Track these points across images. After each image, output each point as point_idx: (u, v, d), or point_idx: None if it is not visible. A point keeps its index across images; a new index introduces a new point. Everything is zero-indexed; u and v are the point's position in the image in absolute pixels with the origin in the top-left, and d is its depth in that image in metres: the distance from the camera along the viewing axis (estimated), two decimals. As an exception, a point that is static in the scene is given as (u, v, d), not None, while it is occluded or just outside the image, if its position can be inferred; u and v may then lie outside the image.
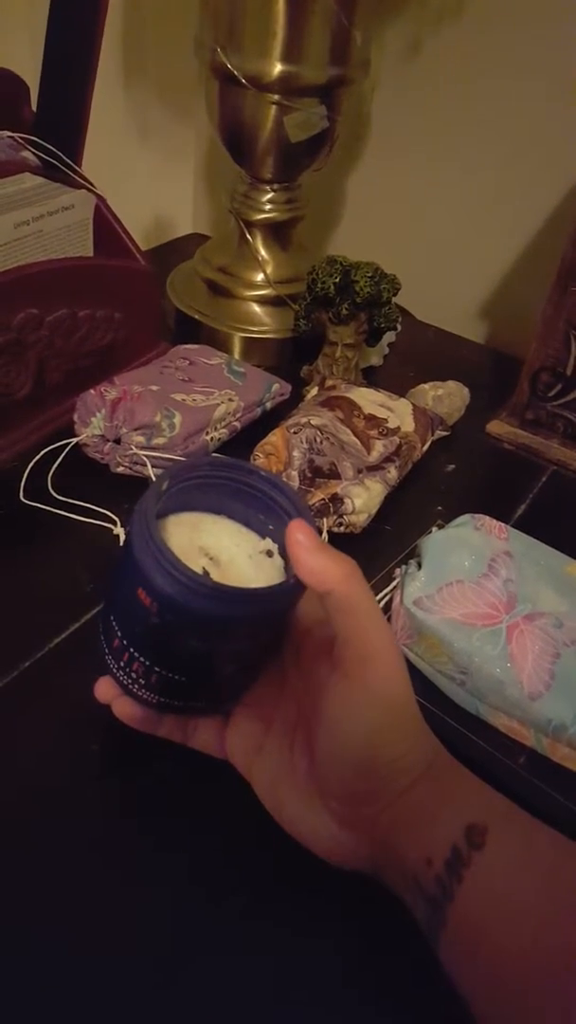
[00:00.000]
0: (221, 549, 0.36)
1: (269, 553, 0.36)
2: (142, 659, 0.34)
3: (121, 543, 0.56)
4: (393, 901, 0.33)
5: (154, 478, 0.59)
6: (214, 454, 0.56)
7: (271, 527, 0.37)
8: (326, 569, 0.31)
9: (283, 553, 0.36)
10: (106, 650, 0.36)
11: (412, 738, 0.33)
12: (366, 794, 0.33)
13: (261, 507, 0.36)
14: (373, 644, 0.32)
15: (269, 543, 0.37)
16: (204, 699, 0.38)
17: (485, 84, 0.79)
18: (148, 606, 0.31)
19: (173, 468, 0.34)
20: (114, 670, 0.36)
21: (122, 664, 0.35)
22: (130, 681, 0.36)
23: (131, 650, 0.34)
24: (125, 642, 0.34)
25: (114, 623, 0.35)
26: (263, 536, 0.37)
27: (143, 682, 0.35)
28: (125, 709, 0.39)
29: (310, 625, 0.36)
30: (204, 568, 0.34)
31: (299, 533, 0.32)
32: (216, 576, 0.34)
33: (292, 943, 0.37)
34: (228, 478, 0.36)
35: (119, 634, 0.34)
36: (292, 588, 0.32)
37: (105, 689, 0.38)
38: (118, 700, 0.39)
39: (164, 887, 0.38)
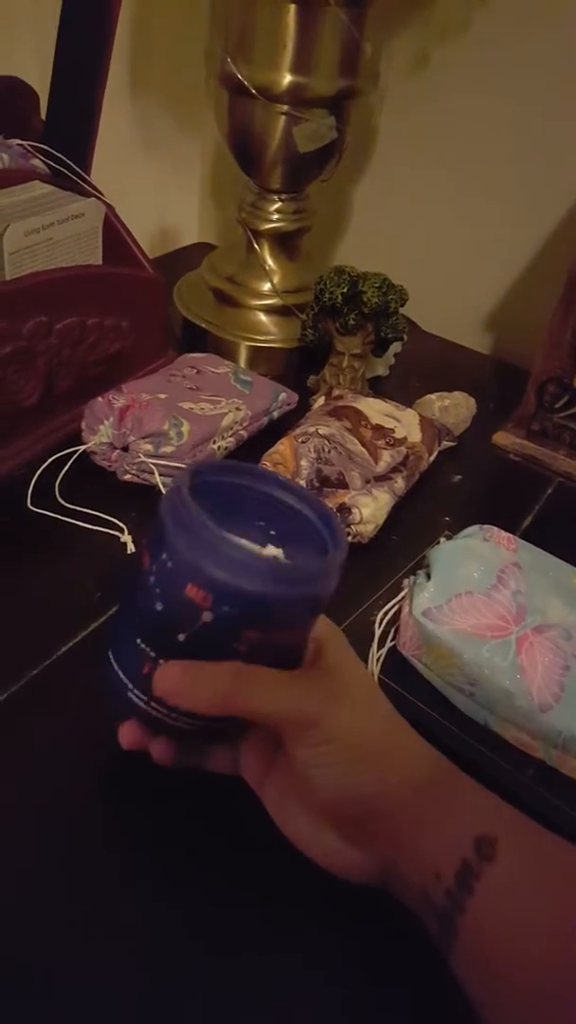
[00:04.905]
0: None
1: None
2: None
3: (129, 552, 0.55)
4: (400, 907, 0.33)
5: (161, 486, 0.59)
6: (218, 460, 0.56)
7: (272, 532, 0.37)
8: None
9: (288, 556, 0.36)
10: (129, 686, 0.34)
11: (398, 755, 0.33)
12: (360, 817, 0.33)
13: (264, 512, 0.36)
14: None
15: (272, 550, 0.36)
16: None
17: (492, 97, 0.79)
18: (200, 602, 0.30)
19: (188, 468, 0.33)
20: (141, 704, 0.34)
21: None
22: (163, 713, 0.34)
23: None
24: (161, 662, 0.33)
25: (143, 646, 0.33)
26: (264, 546, 0.37)
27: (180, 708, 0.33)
28: (161, 751, 0.37)
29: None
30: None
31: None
32: None
33: (290, 953, 0.37)
34: (231, 483, 0.36)
35: (152, 655, 0.33)
36: (337, 557, 0.33)
37: (131, 734, 0.37)
38: (154, 744, 0.37)
39: (167, 900, 0.38)
